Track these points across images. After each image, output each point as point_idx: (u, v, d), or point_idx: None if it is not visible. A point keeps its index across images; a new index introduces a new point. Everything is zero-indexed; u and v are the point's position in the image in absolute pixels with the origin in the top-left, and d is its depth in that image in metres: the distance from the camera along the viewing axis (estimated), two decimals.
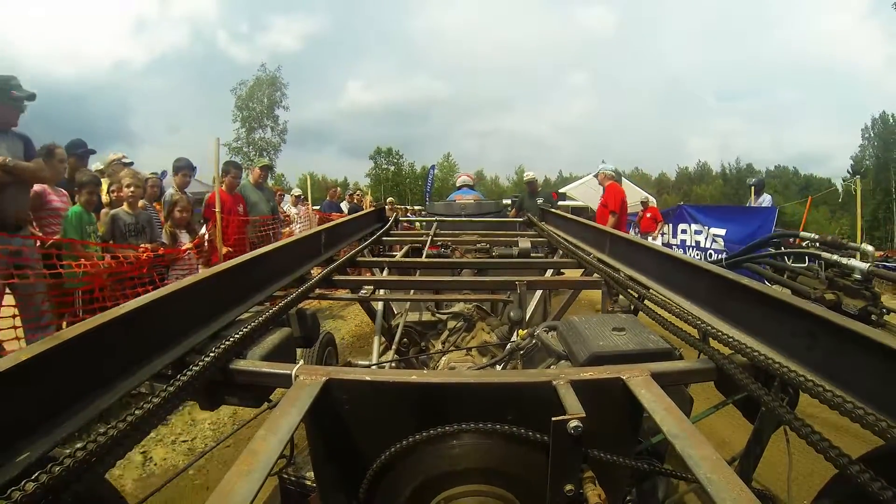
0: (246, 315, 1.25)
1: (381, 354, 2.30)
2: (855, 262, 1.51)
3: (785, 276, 1.94)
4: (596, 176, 8.04)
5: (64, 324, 3.38)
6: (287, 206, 8.94)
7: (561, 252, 2.46)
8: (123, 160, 4.81)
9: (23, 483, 0.53)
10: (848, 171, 34.92)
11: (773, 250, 2.10)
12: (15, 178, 3.10)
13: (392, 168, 47.29)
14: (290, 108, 37.37)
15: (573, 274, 2.21)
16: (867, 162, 34.89)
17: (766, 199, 8.81)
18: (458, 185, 5.94)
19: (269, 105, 36.01)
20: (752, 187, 8.76)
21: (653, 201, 10.98)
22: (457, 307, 2.67)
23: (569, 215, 3.39)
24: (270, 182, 9.95)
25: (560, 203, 11.04)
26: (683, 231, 9.29)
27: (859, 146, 36.94)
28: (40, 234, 3.48)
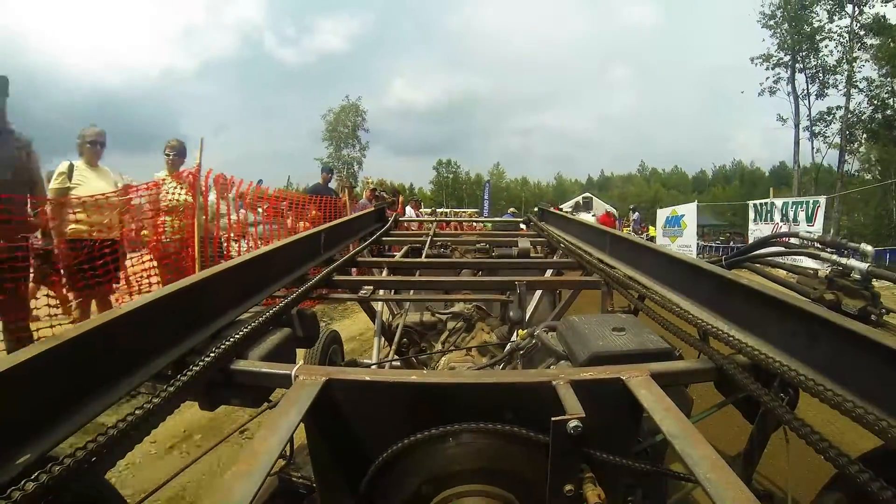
0: (246, 315, 1.25)
1: (380, 355, 2.30)
2: (854, 262, 1.50)
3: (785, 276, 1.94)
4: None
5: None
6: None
7: (560, 252, 2.46)
8: None
9: (23, 483, 0.53)
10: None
11: (773, 250, 2.10)
12: None
13: (451, 176, 60.31)
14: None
15: (573, 274, 2.21)
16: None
17: (637, 216, 17.69)
18: (508, 211, 13.45)
19: (353, 128, 45.09)
20: (632, 210, 15.74)
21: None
22: (457, 307, 2.67)
23: (567, 216, 3.45)
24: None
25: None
26: None
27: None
28: None
